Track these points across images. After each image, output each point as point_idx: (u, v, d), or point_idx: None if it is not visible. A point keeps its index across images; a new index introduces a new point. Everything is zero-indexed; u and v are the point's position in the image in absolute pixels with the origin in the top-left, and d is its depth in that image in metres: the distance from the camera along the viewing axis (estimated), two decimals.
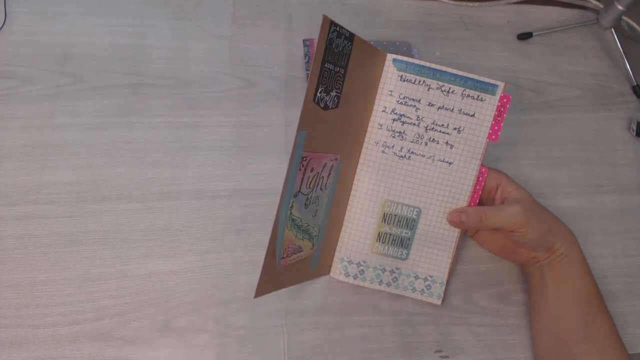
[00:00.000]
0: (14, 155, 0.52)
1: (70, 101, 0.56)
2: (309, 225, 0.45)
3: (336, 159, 0.46)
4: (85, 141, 0.54)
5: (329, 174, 0.45)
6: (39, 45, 0.59)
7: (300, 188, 0.42)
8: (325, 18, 0.38)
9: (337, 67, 0.41)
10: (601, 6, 0.71)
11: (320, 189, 0.45)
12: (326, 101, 0.42)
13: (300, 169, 0.41)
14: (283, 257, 0.43)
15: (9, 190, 0.51)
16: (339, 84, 0.42)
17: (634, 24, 0.71)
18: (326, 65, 0.40)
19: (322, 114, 0.42)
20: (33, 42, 0.59)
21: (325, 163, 0.45)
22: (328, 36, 0.39)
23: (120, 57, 0.60)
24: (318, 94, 0.40)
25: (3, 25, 0.59)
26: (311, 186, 0.44)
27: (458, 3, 0.72)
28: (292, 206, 0.42)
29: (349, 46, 0.42)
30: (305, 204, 0.44)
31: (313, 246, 0.47)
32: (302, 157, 0.41)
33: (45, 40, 0.59)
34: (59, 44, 0.59)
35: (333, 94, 0.42)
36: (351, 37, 0.42)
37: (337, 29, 0.40)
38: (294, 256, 0.44)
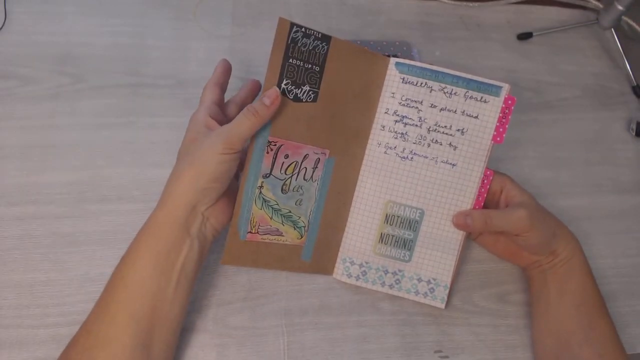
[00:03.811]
0: (14, 155, 0.52)
1: (70, 101, 0.56)
2: (290, 212, 0.47)
3: (324, 154, 0.47)
4: (85, 141, 0.54)
5: (315, 166, 0.47)
6: (39, 45, 0.59)
7: (271, 171, 0.46)
8: (282, 20, 0.43)
9: (308, 64, 0.45)
10: (601, 6, 0.72)
11: (305, 180, 0.47)
12: (296, 93, 0.45)
13: (267, 152, 0.45)
14: (251, 232, 0.46)
15: (9, 190, 0.51)
16: (314, 80, 0.45)
17: (634, 24, 0.71)
18: (291, 61, 0.44)
19: (292, 105, 0.45)
20: (33, 42, 0.59)
21: (307, 154, 0.47)
22: (290, 35, 0.43)
23: (120, 57, 0.60)
24: (283, 86, 0.44)
25: (3, 25, 0.59)
26: (288, 172, 0.46)
27: (458, 3, 0.72)
28: (262, 186, 0.45)
29: (323, 46, 0.45)
30: (282, 189, 0.47)
31: (301, 237, 0.48)
32: (269, 142, 0.45)
33: (45, 40, 0.59)
34: (59, 44, 0.59)
35: (306, 88, 0.45)
36: (325, 38, 0.45)
37: (302, 29, 0.44)
38: (268, 236, 0.47)
